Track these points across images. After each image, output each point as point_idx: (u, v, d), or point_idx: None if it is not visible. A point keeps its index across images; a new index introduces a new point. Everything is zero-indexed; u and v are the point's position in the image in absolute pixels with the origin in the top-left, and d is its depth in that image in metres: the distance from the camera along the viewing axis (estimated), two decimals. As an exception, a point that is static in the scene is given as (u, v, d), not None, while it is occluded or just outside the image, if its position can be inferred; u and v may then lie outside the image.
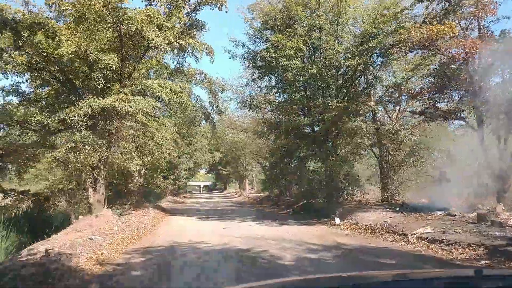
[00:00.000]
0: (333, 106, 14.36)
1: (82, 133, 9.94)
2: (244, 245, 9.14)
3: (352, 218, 12.26)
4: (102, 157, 11.36)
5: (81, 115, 9.73)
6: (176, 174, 32.53)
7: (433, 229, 8.42)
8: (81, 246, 8.19)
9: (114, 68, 10.38)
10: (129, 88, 10.87)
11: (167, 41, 10.77)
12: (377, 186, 18.14)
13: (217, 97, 22.18)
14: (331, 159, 15.56)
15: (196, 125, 24.01)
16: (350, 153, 17.49)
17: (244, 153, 37.62)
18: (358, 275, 2.84)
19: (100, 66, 10.20)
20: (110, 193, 20.44)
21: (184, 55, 16.31)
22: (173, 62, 18.56)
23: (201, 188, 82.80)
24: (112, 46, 11.47)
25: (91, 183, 11.91)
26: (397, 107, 18.30)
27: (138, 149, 15.79)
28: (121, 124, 11.54)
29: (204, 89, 21.52)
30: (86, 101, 9.72)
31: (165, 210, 22.20)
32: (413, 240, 8.16)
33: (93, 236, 9.24)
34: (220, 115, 24.79)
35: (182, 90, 15.26)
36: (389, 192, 16.75)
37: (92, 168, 11.66)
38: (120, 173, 17.30)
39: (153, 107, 11.14)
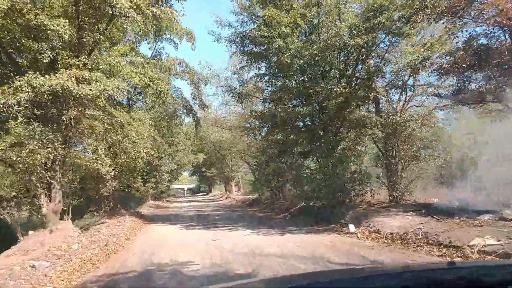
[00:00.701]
0: (338, 92, 12.21)
1: (19, 120, 7.39)
2: (242, 265, 7.06)
3: (369, 224, 10.09)
4: (56, 155, 8.83)
5: (22, 99, 7.23)
6: (157, 177, 30.51)
7: (498, 240, 6.32)
8: (14, 281, 5.73)
9: (67, 38, 7.91)
10: (83, 61, 8.33)
11: (135, 6, 8.36)
12: (384, 185, 16.09)
13: (200, 89, 19.87)
14: (335, 154, 13.42)
15: (177, 121, 21.50)
16: (347, 149, 15.41)
17: (230, 152, 35.24)
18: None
19: (47, 34, 7.72)
20: (81, 200, 17.90)
21: (160, 35, 13.84)
22: (150, 49, 16.08)
23: (185, 191, 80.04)
24: (67, 15, 8.98)
25: (43, 189, 9.34)
26: (403, 97, 16.37)
27: (111, 149, 13.39)
28: (80, 113, 9.04)
29: (185, 80, 19.20)
30: (24, 79, 7.20)
31: (144, 217, 19.72)
32: (474, 255, 6.04)
33: (37, 263, 6.77)
34: (204, 110, 22.45)
35: (159, 77, 13.04)
36: (397, 191, 14.75)
37: (44, 170, 9.13)
38: (89, 176, 14.88)
39: (120, 89, 8.66)
